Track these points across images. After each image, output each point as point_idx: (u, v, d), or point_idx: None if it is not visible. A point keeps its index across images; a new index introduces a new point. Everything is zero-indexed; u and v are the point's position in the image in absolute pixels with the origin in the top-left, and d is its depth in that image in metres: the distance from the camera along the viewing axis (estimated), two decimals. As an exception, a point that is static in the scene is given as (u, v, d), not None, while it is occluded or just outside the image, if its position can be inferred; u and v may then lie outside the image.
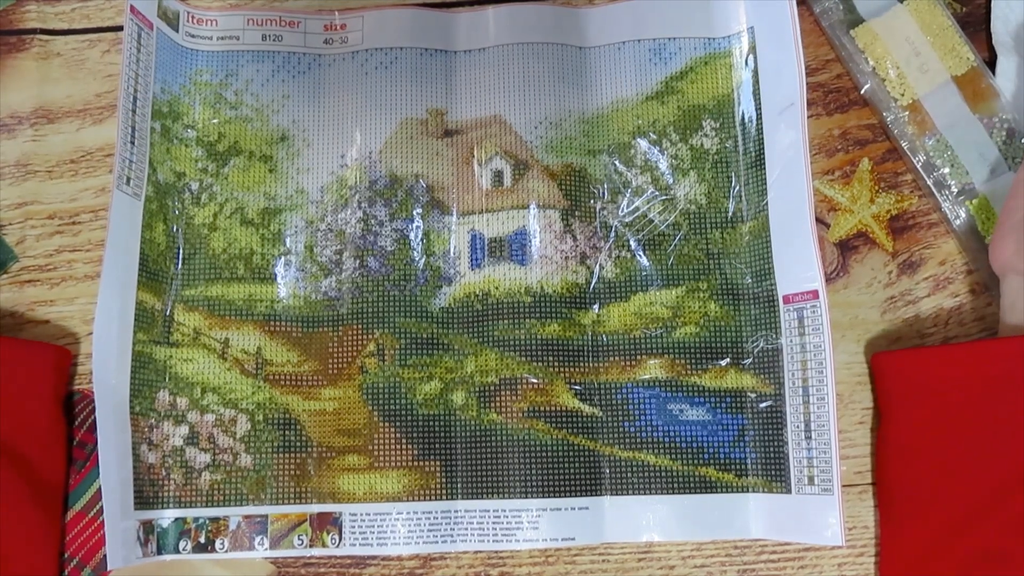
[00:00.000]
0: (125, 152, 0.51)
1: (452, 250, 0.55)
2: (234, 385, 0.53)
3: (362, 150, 0.56)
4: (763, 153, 0.54)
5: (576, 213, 0.55)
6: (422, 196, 0.55)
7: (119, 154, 0.51)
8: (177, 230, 0.54)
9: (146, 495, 0.51)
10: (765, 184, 0.54)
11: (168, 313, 0.53)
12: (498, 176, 0.56)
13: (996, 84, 0.53)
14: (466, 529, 0.51)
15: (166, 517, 0.51)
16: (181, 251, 0.54)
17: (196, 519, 0.51)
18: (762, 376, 0.52)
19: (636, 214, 0.55)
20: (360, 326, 0.54)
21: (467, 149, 0.56)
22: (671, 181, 0.56)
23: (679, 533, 0.51)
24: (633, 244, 0.55)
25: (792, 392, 0.51)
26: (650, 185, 0.56)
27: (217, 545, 0.51)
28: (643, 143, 0.56)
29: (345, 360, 0.53)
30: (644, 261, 0.55)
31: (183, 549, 0.50)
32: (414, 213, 0.55)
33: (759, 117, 0.54)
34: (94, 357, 0.49)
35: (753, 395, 0.52)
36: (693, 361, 0.53)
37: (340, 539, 0.51)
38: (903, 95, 0.54)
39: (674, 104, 0.56)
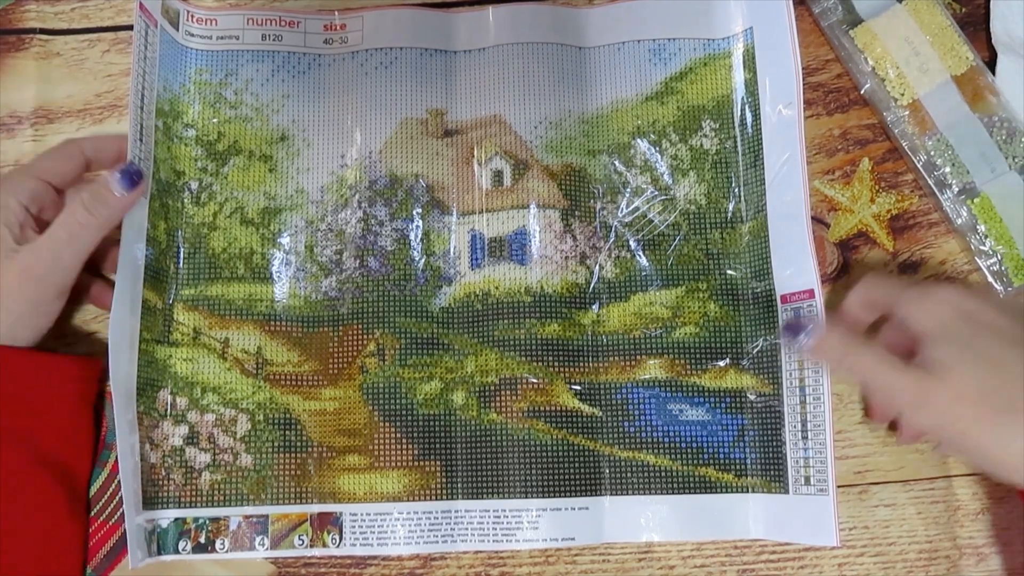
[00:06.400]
0: (135, 150, 0.51)
1: (452, 250, 0.55)
2: (234, 385, 0.53)
3: (362, 150, 0.56)
4: (762, 153, 0.54)
5: (576, 213, 0.55)
6: (422, 196, 0.55)
7: (131, 152, 0.50)
8: (177, 229, 0.54)
9: (148, 495, 0.51)
10: (764, 184, 0.54)
11: (168, 312, 0.53)
12: (498, 176, 0.56)
13: (996, 83, 0.53)
14: (466, 529, 0.51)
15: (165, 517, 0.51)
16: (182, 250, 0.54)
17: (196, 519, 0.51)
18: (761, 376, 0.52)
19: (636, 214, 0.55)
20: (360, 326, 0.54)
21: (467, 149, 0.56)
22: (671, 181, 0.56)
23: (679, 533, 0.51)
24: (633, 244, 0.55)
25: (789, 392, 0.51)
26: (650, 185, 0.56)
27: (217, 545, 0.51)
28: (643, 143, 0.56)
29: (345, 360, 0.53)
30: (644, 261, 0.55)
31: (183, 549, 0.50)
32: (414, 213, 0.55)
33: (757, 118, 0.54)
34: (111, 356, 0.47)
35: (753, 395, 0.53)
36: (693, 361, 0.53)
37: (341, 539, 0.51)
38: (903, 95, 0.54)
39: (673, 105, 0.56)
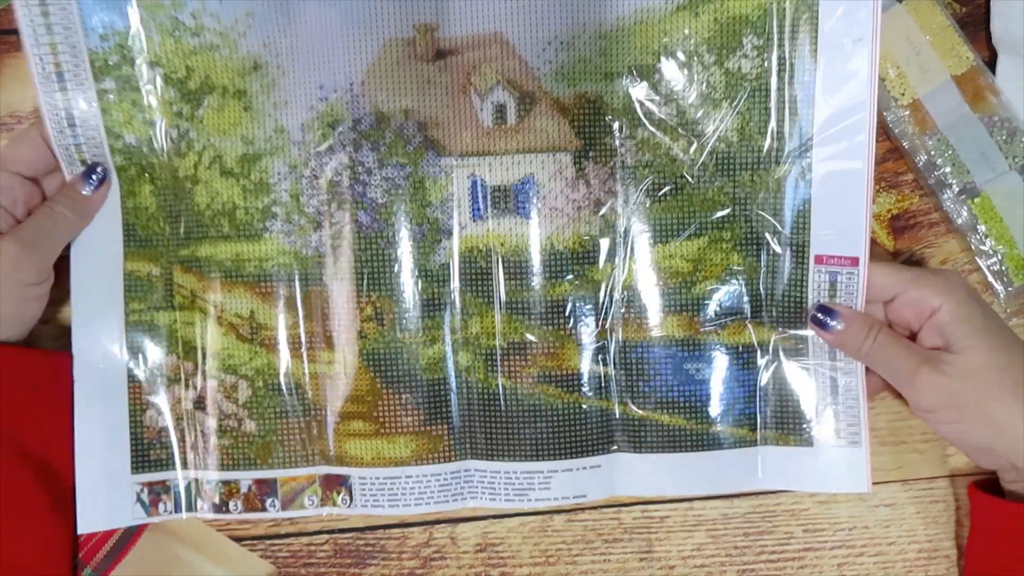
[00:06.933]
0: (64, 139, 0.48)
1: (450, 197, 0.49)
2: (232, 351, 0.51)
3: (341, 79, 0.48)
4: (814, 85, 0.46)
5: (590, 153, 0.49)
6: (414, 137, 0.49)
7: (58, 145, 0.48)
8: (165, 186, 0.50)
9: (155, 458, 0.51)
10: (812, 123, 0.47)
11: (168, 276, 0.51)
12: (500, 111, 0.49)
13: (996, 83, 0.51)
14: (476, 487, 0.51)
15: (181, 478, 0.51)
16: (172, 208, 0.50)
17: (209, 481, 0.51)
18: (781, 330, 0.49)
19: (658, 152, 0.49)
20: (355, 288, 0.50)
21: (463, 75, 0.49)
22: (700, 114, 0.48)
23: (692, 488, 0.51)
24: (653, 188, 0.49)
25: (817, 350, 0.49)
26: (675, 118, 0.49)
27: (231, 506, 0.51)
28: (670, 66, 0.48)
29: (342, 324, 0.50)
30: (665, 208, 0.49)
31: (200, 508, 0.51)
32: (405, 157, 0.49)
33: (814, 40, 0.46)
34: (74, 341, 0.49)
35: (771, 350, 0.50)
36: (712, 318, 0.50)
37: (351, 500, 0.51)
38: (903, 94, 0.52)
39: (709, 15, 0.48)
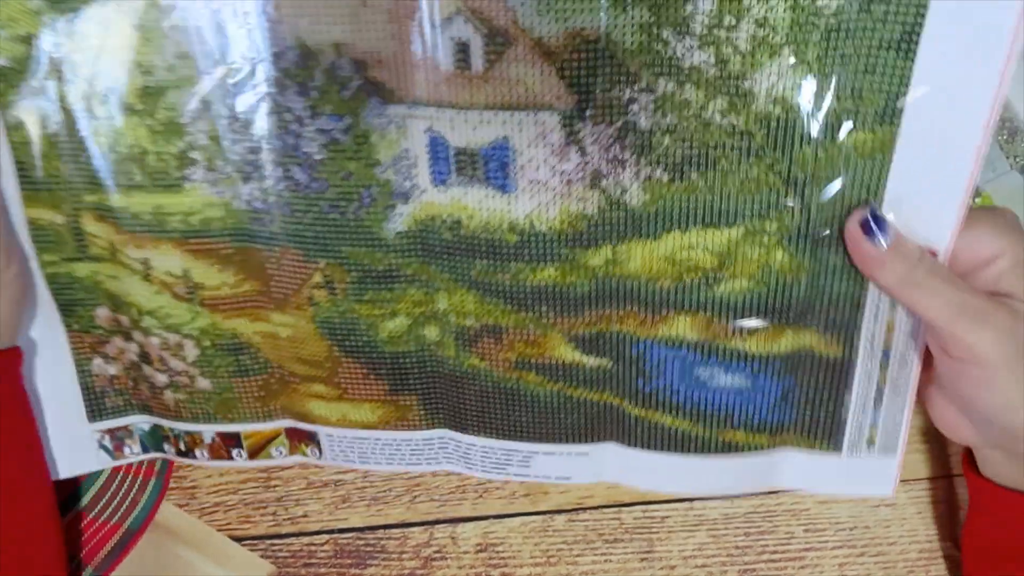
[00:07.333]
0: None
1: (404, 155, 0.38)
2: (169, 310, 0.44)
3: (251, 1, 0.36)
4: (918, 27, 0.31)
5: (587, 112, 0.36)
6: (350, 80, 0.36)
7: None
8: (53, 117, 0.40)
9: (111, 405, 0.47)
10: (907, 79, 0.33)
11: (75, 224, 0.42)
12: (462, 51, 0.35)
13: None
14: (452, 454, 0.47)
15: (144, 421, 0.48)
16: (67, 145, 0.40)
17: (172, 429, 0.48)
18: (828, 335, 0.39)
19: (686, 113, 0.35)
20: (300, 251, 0.41)
21: (412, -5, 0.34)
22: (747, 63, 0.34)
23: (693, 489, 0.46)
24: (675, 159, 0.36)
25: (868, 355, 0.39)
26: (714, 67, 0.34)
27: (197, 454, 0.49)
28: None
29: (289, 287, 0.43)
30: (688, 187, 0.37)
31: (167, 451, 0.49)
32: (342, 106, 0.37)
33: None
34: None
35: (811, 356, 0.40)
36: (738, 323, 0.39)
37: (320, 453, 0.48)
38: None
39: None
